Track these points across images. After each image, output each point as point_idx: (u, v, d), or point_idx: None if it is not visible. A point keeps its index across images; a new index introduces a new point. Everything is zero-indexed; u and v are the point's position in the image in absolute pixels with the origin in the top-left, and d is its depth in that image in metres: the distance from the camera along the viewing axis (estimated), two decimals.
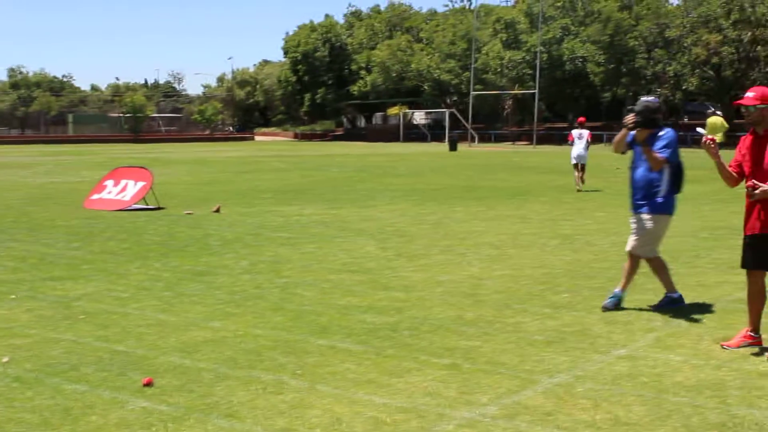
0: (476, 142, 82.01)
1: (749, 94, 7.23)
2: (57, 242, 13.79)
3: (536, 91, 76.85)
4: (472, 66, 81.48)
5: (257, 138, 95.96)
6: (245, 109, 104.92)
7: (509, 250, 12.94)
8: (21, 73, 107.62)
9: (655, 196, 8.75)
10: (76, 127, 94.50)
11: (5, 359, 7.02)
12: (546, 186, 26.55)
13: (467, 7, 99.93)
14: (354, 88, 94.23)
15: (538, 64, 77.06)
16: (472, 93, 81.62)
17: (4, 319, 8.49)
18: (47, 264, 11.69)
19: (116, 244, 13.67)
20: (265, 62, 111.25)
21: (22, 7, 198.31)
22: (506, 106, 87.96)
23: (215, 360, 7.02)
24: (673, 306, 8.87)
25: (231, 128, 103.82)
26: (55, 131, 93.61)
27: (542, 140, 78.09)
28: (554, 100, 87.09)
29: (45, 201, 21.25)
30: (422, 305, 9.10)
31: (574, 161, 24.92)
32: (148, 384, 6.32)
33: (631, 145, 8.89)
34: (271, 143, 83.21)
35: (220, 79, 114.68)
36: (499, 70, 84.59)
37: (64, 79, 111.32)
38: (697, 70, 72.86)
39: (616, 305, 8.83)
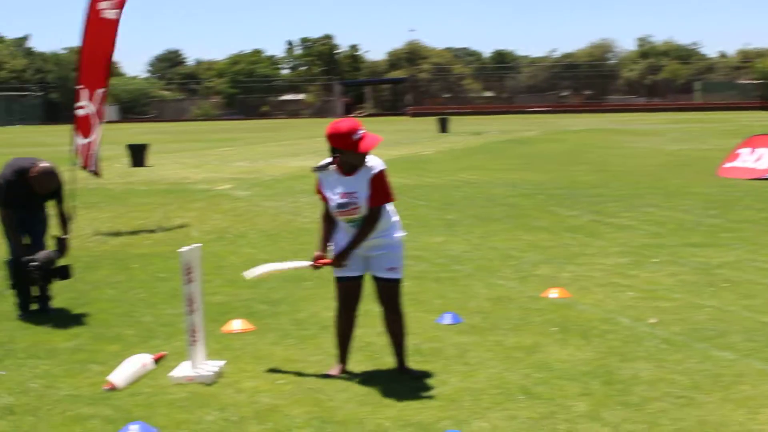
0: None
1: None
2: (693, 209, 13.79)
3: None
4: None
5: None
6: None
7: None
8: (649, 42, 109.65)
9: None
10: (703, 94, 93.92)
11: (653, 320, 7.18)
12: None
13: None
14: None
15: None
16: None
17: (648, 281, 8.70)
18: (685, 230, 11.75)
19: (755, 213, 13.28)
20: None
21: None
22: None
23: None
24: None
25: None
26: (681, 99, 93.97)
27: None
28: None
29: (677, 168, 21.41)
30: None
31: None
32: None
33: None
34: None
35: None
36: None
37: (692, 47, 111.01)
38: None
39: None
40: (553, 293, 8.18)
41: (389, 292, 5.95)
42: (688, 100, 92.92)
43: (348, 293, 6.02)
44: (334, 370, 6.00)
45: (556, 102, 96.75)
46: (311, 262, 5.97)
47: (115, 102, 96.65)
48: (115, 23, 12.00)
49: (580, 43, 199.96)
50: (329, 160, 5.87)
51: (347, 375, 5.95)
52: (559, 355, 6.33)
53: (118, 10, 11.96)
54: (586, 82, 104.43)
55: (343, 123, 5.76)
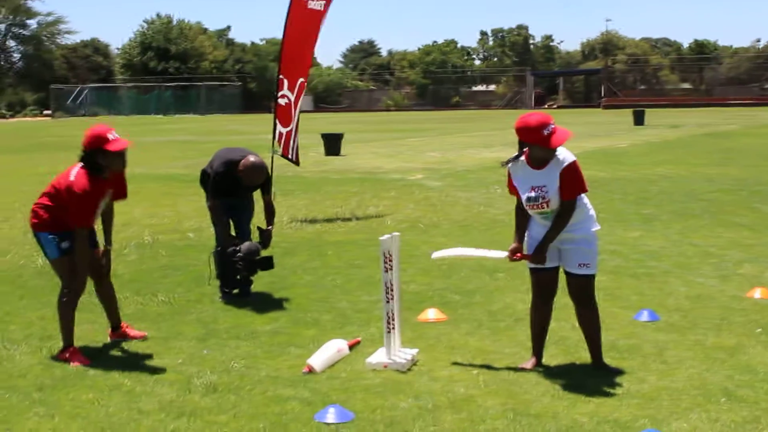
0: None
1: None
2: None
3: None
4: None
5: None
6: None
7: None
8: None
9: None
10: None
11: None
12: None
13: None
14: None
15: None
16: None
17: None
18: None
19: None
20: None
21: None
22: None
23: None
24: None
25: None
26: None
27: None
28: None
29: None
30: None
31: None
32: None
33: None
34: None
35: None
36: None
37: None
38: None
39: None
40: (757, 293, 7.83)
41: (581, 287, 5.85)
42: None
43: (543, 284, 5.96)
44: (529, 363, 5.96)
45: (759, 94, 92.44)
46: (507, 254, 5.95)
47: (309, 92, 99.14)
48: (320, 14, 12.31)
49: None
50: (518, 153, 5.82)
51: (542, 368, 5.90)
52: (763, 357, 6.06)
53: (323, 2, 12.25)
54: None
55: (533, 117, 5.68)
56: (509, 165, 5.88)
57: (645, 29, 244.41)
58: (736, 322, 7.00)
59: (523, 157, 5.80)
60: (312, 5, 12.19)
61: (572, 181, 5.68)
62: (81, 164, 6.27)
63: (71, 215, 6.19)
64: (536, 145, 5.65)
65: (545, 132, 5.58)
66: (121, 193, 6.67)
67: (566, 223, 5.71)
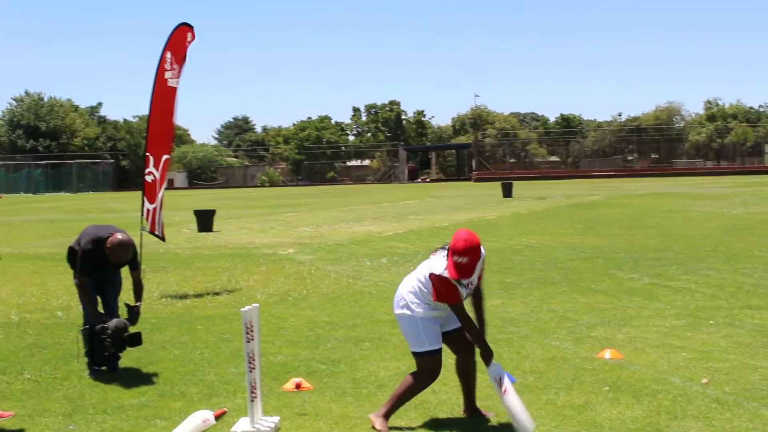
0: None
1: None
2: (754, 272, 13.74)
3: None
4: None
5: None
6: None
7: None
8: (717, 104, 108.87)
9: None
10: None
11: (704, 380, 7.26)
12: None
13: None
14: None
15: None
16: None
17: (703, 343, 8.75)
18: (744, 293, 11.73)
19: None
20: None
21: (701, 37, 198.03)
22: None
23: None
24: None
25: None
26: (750, 162, 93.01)
27: None
28: None
29: (742, 231, 21.25)
30: None
31: None
32: None
33: None
34: None
35: None
36: None
37: (761, 109, 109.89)
38: None
39: None
40: (607, 354, 8.28)
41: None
42: (757, 163, 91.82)
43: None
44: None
45: (622, 166, 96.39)
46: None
47: (183, 169, 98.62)
48: (175, 91, 12.74)
49: (646, 106, 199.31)
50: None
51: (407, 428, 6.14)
52: (609, 414, 6.44)
53: (177, 79, 12.71)
54: (652, 146, 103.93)
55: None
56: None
57: (513, 104, 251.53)
58: (587, 381, 7.40)
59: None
60: (171, 83, 12.60)
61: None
62: None
63: None
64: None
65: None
66: None
67: None
